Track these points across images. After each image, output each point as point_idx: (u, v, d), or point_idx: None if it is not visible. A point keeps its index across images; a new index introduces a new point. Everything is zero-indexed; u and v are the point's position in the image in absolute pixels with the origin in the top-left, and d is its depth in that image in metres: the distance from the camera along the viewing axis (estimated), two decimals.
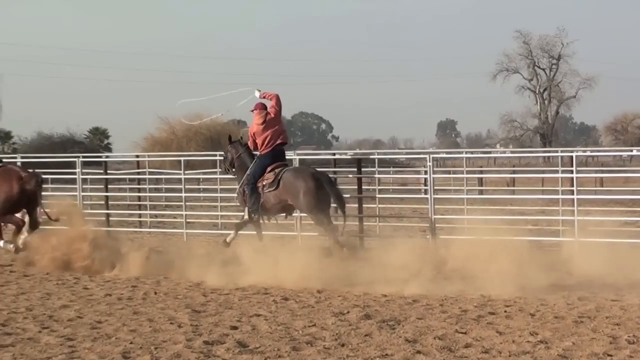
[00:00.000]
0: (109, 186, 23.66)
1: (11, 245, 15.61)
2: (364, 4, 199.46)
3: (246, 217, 14.96)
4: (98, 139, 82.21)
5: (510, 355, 8.46)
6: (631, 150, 43.72)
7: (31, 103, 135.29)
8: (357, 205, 18.53)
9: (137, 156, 28.77)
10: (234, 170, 15.39)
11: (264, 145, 14.71)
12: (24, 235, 15.60)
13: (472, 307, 11.00)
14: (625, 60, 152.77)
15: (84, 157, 23.62)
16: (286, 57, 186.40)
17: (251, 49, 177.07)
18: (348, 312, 10.76)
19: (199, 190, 31.60)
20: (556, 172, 23.43)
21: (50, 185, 24.25)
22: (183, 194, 20.84)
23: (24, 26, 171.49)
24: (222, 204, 23.24)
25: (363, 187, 19.67)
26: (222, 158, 16.28)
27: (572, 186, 17.11)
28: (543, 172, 34.11)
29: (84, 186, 21.78)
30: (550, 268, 13.20)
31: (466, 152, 34.66)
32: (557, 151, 25.57)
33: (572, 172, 17.34)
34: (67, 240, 14.90)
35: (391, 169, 39.33)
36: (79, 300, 12.00)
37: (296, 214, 15.92)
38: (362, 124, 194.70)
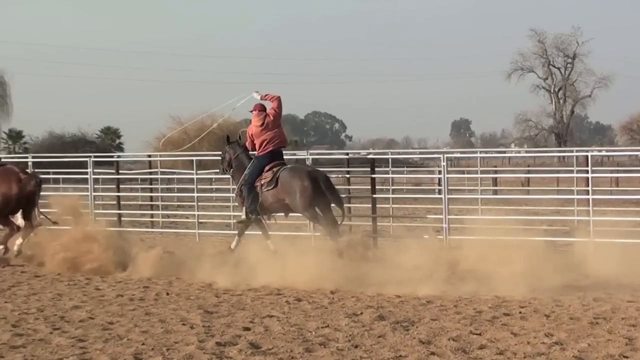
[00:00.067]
0: (121, 186, 23.70)
1: (1, 247, 15.64)
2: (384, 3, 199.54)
3: (244, 217, 14.94)
4: (110, 139, 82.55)
5: (525, 357, 8.38)
6: None
7: (42, 103, 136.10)
8: (370, 205, 18.49)
9: (149, 156, 28.70)
10: (231, 170, 15.37)
11: (262, 148, 14.67)
12: (19, 241, 15.60)
13: (486, 308, 10.91)
14: None
15: (95, 156, 23.68)
16: (291, 57, 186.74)
17: (251, 49, 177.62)
18: (361, 313, 10.69)
19: (211, 190, 31.61)
20: (571, 172, 23.30)
21: (61, 185, 24.35)
22: (195, 194, 20.80)
23: (34, 25, 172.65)
24: (234, 204, 23.17)
25: (377, 187, 19.60)
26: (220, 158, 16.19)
27: (588, 186, 17.03)
28: (558, 172, 34.06)
29: (95, 186, 21.77)
30: (565, 269, 13.11)
31: (480, 152, 34.47)
32: (572, 151, 25.38)
33: (587, 172, 17.26)
34: (76, 241, 14.86)
35: (405, 168, 39.37)
36: (90, 301, 11.96)
37: None
38: (375, 123, 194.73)
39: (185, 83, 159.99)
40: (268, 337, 9.40)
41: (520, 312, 10.58)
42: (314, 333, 9.58)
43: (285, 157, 15.40)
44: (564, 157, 52.76)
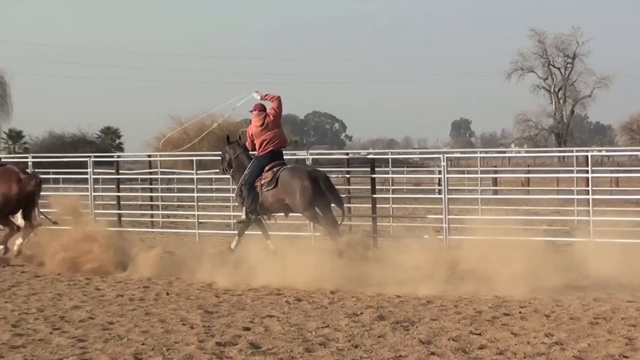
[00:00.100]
0: (121, 186, 23.69)
1: (1, 247, 15.64)
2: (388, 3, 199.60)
3: (244, 217, 14.94)
4: (110, 139, 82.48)
5: (525, 357, 8.37)
6: None
7: (42, 103, 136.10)
8: (370, 205, 18.48)
9: (149, 156, 28.70)
10: (231, 170, 15.37)
11: (262, 148, 14.67)
12: (19, 241, 15.60)
13: (486, 308, 10.91)
14: None
15: (95, 156, 23.67)
16: (291, 57, 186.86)
17: (251, 49, 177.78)
18: (361, 313, 10.68)
19: (211, 190, 31.60)
20: (571, 172, 23.30)
21: (61, 185, 24.35)
22: (195, 194, 20.79)
23: (34, 25, 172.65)
24: (234, 204, 23.17)
25: (377, 187, 19.60)
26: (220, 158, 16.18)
27: (587, 186, 17.03)
28: (558, 172, 34.06)
29: (95, 186, 21.77)
30: (565, 269, 13.11)
31: (480, 152, 34.48)
32: (572, 151, 25.38)
33: (587, 172, 17.26)
34: (76, 241, 14.86)
35: (405, 168, 39.37)
36: (90, 301, 11.95)
37: None
38: (375, 123, 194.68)
39: (185, 83, 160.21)
40: (268, 337, 9.40)
41: (520, 312, 10.58)
42: (314, 333, 9.57)
43: (285, 157, 15.39)
44: (564, 157, 52.76)
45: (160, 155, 29.35)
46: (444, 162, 17.30)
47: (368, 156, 22.32)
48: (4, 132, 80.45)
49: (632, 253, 13.59)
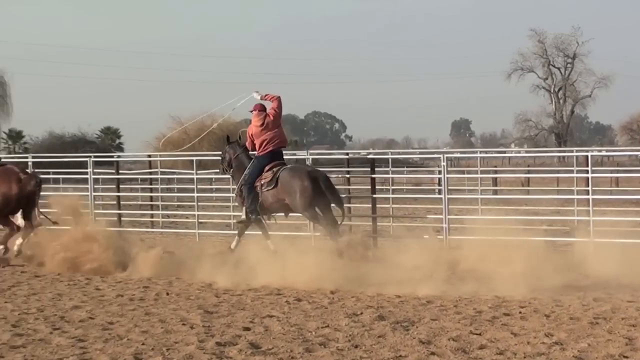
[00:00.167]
0: (121, 186, 23.68)
1: (1, 247, 15.64)
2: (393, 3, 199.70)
3: (244, 217, 14.94)
4: (110, 139, 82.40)
5: (525, 357, 8.37)
6: None
7: (42, 103, 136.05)
8: (370, 205, 18.47)
9: (149, 156, 28.69)
10: (231, 170, 15.37)
11: (262, 148, 14.66)
12: (19, 241, 15.60)
13: (486, 308, 10.90)
14: None
15: (95, 156, 23.66)
16: (291, 57, 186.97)
17: (251, 49, 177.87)
18: (361, 313, 10.68)
19: (211, 190, 31.59)
20: (571, 172, 23.30)
21: (61, 185, 24.36)
22: (195, 194, 20.78)
23: (34, 25, 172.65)
24: (234, 204, 23.17)
25: (377, 187, 19.59)
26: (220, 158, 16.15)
27: (587, 186, 17.03)
28: (558, 172, 34.06)
29: (95, 186, 21.76)
30: (565, 269, 13.10)
31: (480, 152, 34.47)
32: (572, 151, 25.37)
33: (587, 172, 17.26)
34: (76, 241, 14.84)
35: (405, 168, 39.36)
36: (90, 301, 11.95)
37: None
38: (375, 123, 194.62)
39: (185, 83, 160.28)
40: (268, 337, 9.39)
41: (520, 312, 10.57)
42: (314, 333, 9.56)
43: (285, 157, 15.39)
44: (564, 157, 52.75)
45: (160, 155, 29.34)
46: (444, 162, 17.29)
47: (368, 156, 22.32)
48: (4, 132, 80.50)
49: (632, 253, 13.58)
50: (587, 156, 17.78)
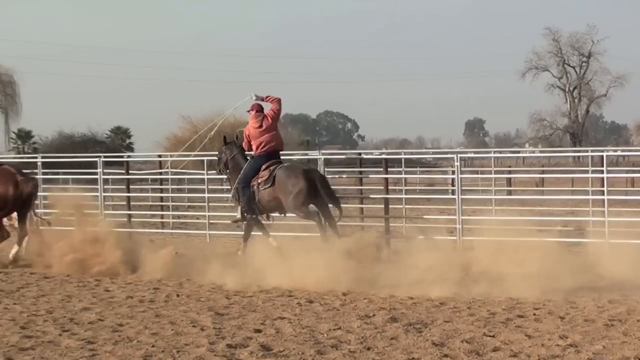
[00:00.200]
0: (131, 186, 23.65)
1: None
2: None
3: (238, 216, 14.91)
4: (120, 139, 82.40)
5: (539, 359, 8.27)
6: None
7: (52, 102, 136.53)
8: (383, 205, 18.39)
9: (160, 156, 28.66)
10: (227, 171, 15.31)
11: (258, 149, 14.60)
12: (15, 248, 15.52)
13: (500, 309, 10.81)
14: None
15: (105, 157, 23.66)
16: (292, 56, 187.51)
17: (252, 49, 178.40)
18: (374, 315, 10.60)
19: (222, 191, 31.51)
20: (586, 172, 23.10)
21: (71, 186, 24.27)
22: (206, 195, 20.75)
23: (45, 24, 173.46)
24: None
25: (389, 187, 19.51)
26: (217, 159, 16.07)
27: (603, 186, 16.91)
28: (573, 172, 33.86)
29: (105, 186, 21.75)
30: (580, 270, 13.00)
31: (494, 152, 34.30)
32: (587, 151, 25.18)
33: (602, 172, 17.12)
34: (86, 242, 14.78)
35: (418, 169, 39.30)
36: (100, 302, 11.90)
37: None
38: (388, 123, 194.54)
39: (197, 83, 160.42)
40: (279, 339, 9.32)
41: (534, 314, 10.48)
42: (325, 335, 9.49)
43: (297, 157, 15.33)
44: (578, 157, 52.48)
45: (171, 156, 29.30)
46: (457, 162, 17.19)
47: (381, 156, 22.24)
48: (13, 132, 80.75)
49: None
50: (602, 156, 17.64)
